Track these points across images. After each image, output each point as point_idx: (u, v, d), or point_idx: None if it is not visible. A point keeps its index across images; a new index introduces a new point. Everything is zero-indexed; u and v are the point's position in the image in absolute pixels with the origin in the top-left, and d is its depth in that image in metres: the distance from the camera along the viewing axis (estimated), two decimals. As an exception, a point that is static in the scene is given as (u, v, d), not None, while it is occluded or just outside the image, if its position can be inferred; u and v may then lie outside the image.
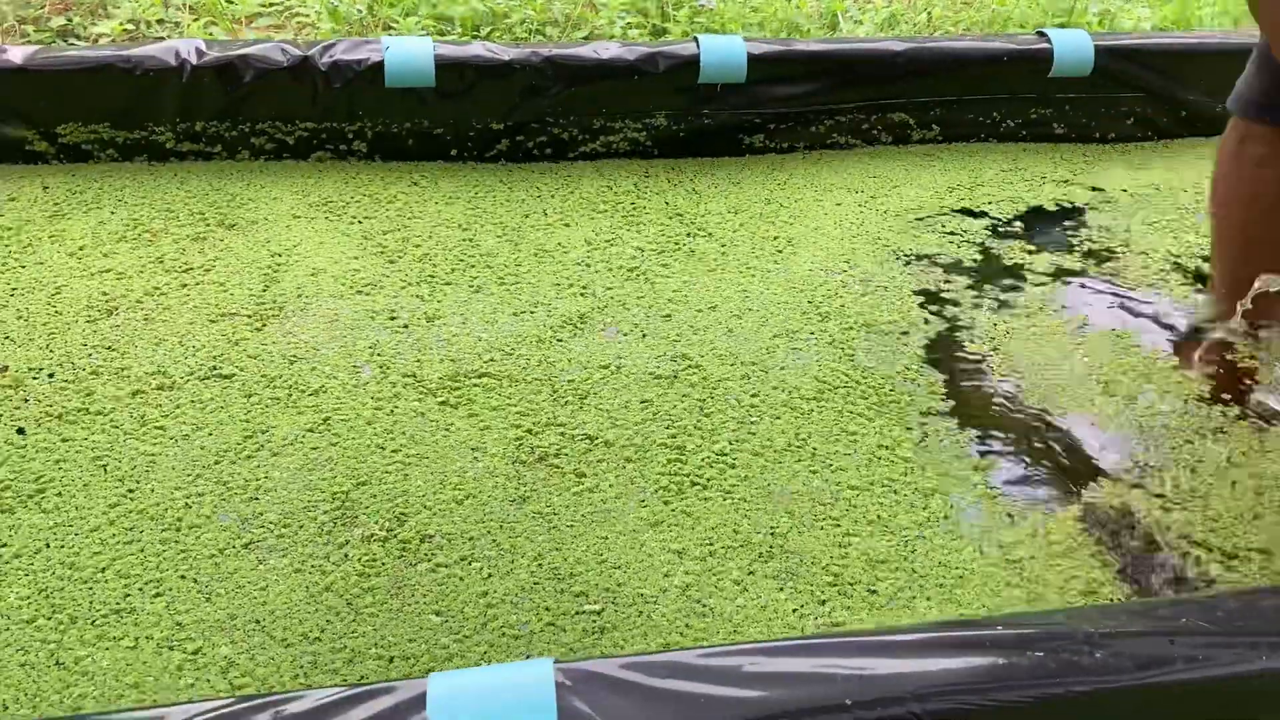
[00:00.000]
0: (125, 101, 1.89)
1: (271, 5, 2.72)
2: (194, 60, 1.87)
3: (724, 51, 1.98)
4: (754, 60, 2.00)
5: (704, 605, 1.18)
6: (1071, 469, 1.40)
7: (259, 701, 0.79)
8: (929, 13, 3.05)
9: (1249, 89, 1.46)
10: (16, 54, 1.83)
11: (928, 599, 1.21)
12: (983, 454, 1.42)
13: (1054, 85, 2.16)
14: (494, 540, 1.24)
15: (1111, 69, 2.16)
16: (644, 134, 2.05)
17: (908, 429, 1.45)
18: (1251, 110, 1.45)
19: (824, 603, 1.20)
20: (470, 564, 1.21)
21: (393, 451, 1.36)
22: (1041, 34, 2.15)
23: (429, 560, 1.21)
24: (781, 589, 1.21)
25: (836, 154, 2.15)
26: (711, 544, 1.26)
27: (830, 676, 0.85)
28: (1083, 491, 1.36)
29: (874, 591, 1.21)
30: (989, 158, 2.17)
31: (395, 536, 1.24)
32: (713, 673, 0.84)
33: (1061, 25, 2.74)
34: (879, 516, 1.31)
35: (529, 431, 1.40)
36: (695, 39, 2.01)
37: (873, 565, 1.24)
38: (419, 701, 0.80)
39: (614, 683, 0.83)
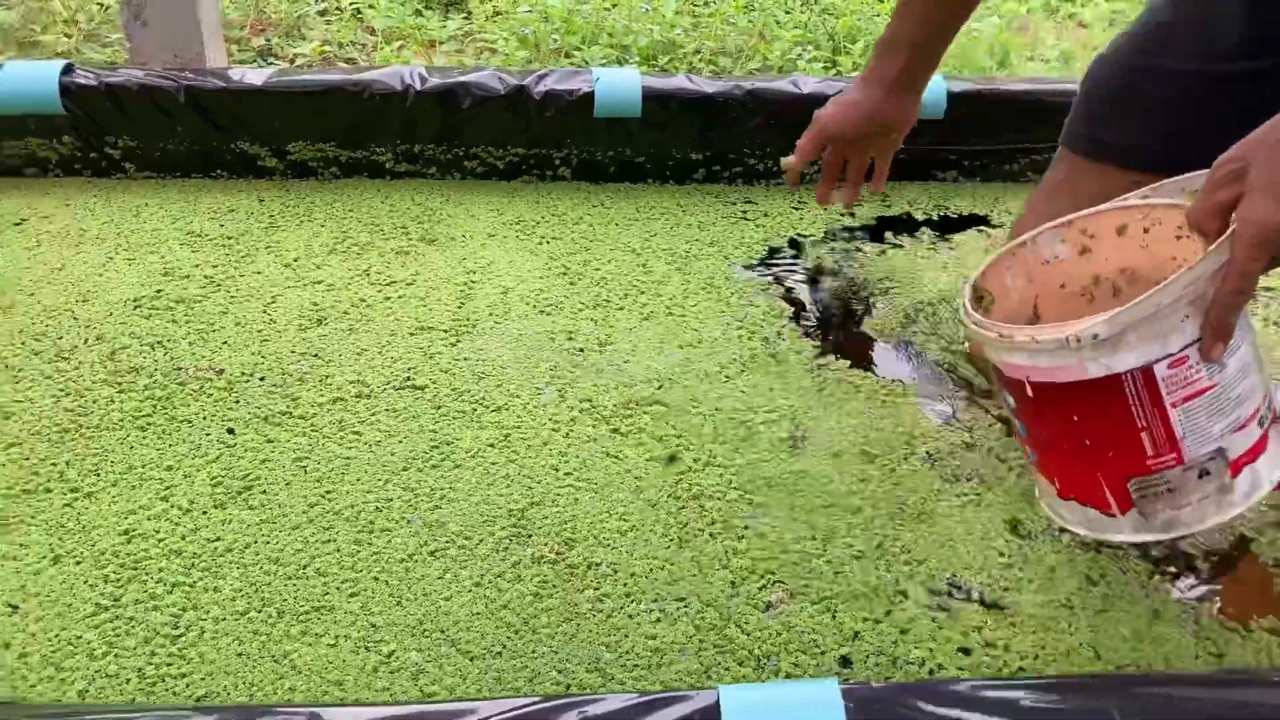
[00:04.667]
0: (351, 122, 1.96)
1: (452, 32, 2.82)
2: (417, 86, 1.93)
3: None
4: (953, 97, 1.99)
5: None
6: None
7: (562, 702, 0.82)
8: (1097, 49, 3.01)
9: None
10: (256, 77, 1.93)
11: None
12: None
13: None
14: (655, 580, 1.24)
15: None
16: (838, 166, 2.05)
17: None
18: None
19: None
20: (636, 603, 1.20)
21: (565, 474, 1.38)
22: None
23: (595, 589, 1.22)
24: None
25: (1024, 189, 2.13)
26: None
27: (1105, 712, 0.84)
28: None
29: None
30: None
31: (564, 560, 1.25)
32: (989, 704, 0.83)
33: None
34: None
35: (689, 469, 1.40)
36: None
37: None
38: (713, 711, 0.81)
39: (893, 706, 0.83)
